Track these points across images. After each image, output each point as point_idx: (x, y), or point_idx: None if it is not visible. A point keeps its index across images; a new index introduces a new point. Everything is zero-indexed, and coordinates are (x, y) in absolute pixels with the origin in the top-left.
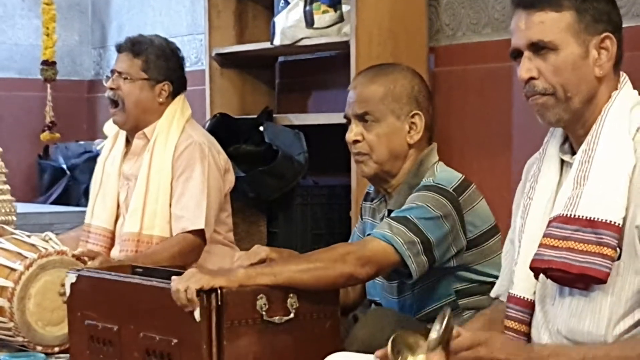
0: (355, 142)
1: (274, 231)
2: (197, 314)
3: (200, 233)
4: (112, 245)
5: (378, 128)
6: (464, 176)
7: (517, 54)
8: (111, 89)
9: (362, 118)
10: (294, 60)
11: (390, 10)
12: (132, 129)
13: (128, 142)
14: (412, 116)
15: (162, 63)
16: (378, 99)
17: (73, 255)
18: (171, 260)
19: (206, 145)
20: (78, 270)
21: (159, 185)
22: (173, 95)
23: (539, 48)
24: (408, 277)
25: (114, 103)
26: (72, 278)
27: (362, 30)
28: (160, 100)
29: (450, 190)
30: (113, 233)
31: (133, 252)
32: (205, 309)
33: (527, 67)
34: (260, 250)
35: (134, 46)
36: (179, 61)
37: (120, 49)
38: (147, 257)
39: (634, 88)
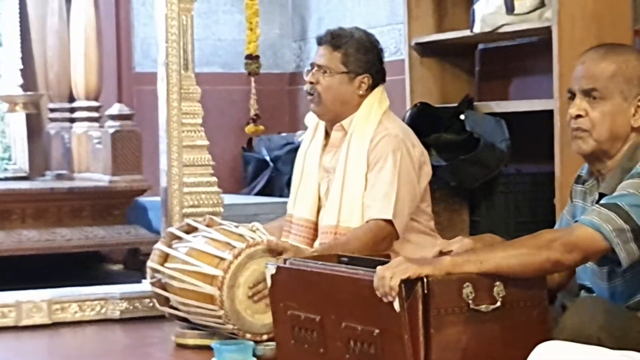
0: (578, 116)
1: (477, 220)
2: (396, 305)
3: (390, 222)
4: (315, 236)
5: (603, 106)
6: None
7: None
8: (310, 82)
9: (588, 94)
10: (494, 47)
11: None
12: (331, 121)
13: (327, 134)
14: None
15: (361, 56)
16: (607, 77)
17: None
18: (364, 249)
19: (401, 138)
20: (279, 261)
21: (355, 177)
22: (372, 87)
23: None
24: (618, 264)
25: (313, 96)
26: (271, 270)
27: (564, 15)
28: (360, 92)
29: None
30: (316, 224)
31: None
32: (411, 298)
33: None
34: (465, 245)
35: (333, 39)
36: (379, 54)
37: (320, 41)
38: (341, 246)
39: None
